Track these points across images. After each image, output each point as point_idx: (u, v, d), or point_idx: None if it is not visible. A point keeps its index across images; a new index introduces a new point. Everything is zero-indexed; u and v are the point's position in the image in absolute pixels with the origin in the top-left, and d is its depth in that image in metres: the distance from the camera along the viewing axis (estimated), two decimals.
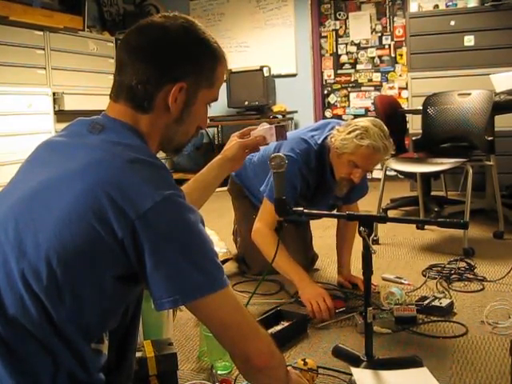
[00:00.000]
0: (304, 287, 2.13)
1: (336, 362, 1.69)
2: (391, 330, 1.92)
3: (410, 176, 4.27)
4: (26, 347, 0.95)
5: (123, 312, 1.11)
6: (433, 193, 4.13)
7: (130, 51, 1.07)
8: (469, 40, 4.68)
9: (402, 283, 2.41)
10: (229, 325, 1.04)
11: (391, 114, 3.95)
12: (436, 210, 3.60)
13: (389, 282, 2.45)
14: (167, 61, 1.06)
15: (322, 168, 2.26)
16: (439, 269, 2.58)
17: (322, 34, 6.09)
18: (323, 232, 3.29)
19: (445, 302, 2.08)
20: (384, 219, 1.75)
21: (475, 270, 2.56)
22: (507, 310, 2.01)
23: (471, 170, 3.04)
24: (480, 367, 1.65)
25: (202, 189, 1.54)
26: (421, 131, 3.45)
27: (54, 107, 4.69)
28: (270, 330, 1.86)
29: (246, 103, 5.79)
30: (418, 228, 3.48)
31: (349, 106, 6.06)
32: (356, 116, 5.63)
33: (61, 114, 4.71)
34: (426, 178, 3.89)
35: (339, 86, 6.09)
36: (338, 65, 6.07)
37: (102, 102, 4.04)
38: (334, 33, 6.04)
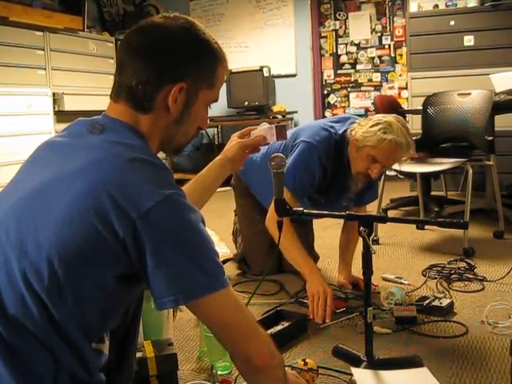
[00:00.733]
0: (312, 280, 2.12)
1: (336, 361, 1.69)
2: (391, 330, 1.92)
3: (409, 176, 4.26)
4: (27, 347, 0.95)
5: (124, 312, 1.11)
6: (433, 193, 4.13)
7: (130, 51, 1.07)
8: (468, 40, 4.68)
9: (402, 283, 2.41)
10: (229, 324, 1.04)
11: (391, 114, 3.94)
12: (436, 209, 3.60)
13: (389, 282, 2.45)
14: (167, 61, 1.06)
15: (339, 160, 2.22)
16: (439, 269, 2.58)
17: (322, 34, 6.09)
18: (323, 232, 3.29)
19: (445, 302, 2.08)
20: (384, 219, 1.74)
21: (475, 270, 2.56)
22: (507, 310, 2.01)
23: (471, 170, 3.04)
24: (480, 367, 1.65)
25: (203, 189, 1.54)
26: (421, 131, 3.44)
27: (54, 107, 4.69)
28: (270, 330, 1.86)
29: (246, 103, 5.79)
30: (417, 228, 3.48)
31: (349, 106, 6.06)
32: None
33: (61, 115, 4.71)
34: (426, 177, 3.89)
35: (339, 86, 6.09)
36: (337, 65, 6.07)
37: (102, 103, 4.02)
38: (333, 33, 6.05)
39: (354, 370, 1.59)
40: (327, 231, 3.34)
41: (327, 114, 6.13)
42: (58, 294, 0.94)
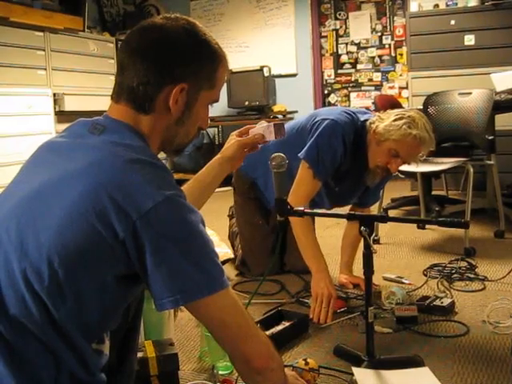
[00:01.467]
0: (319, 279, 2.09)
1: (337, 361, 1.69)
2: (392, 330, 1.92)
3: (410, 175, 4.26)
4: (28, 347, 0.95)
5: (124, 312, 1.11)
6: (433, 192, 4.13)
7: (131, 52, 1.07)
8: (469, 39, 4.67)
9: (403, 283, 2.41)
10: (228, 326, 1.04)
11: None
12: (437, 209, 3.60)
13: (390, 281, 2.44)
14: (168, 62, 1.06)
15: (358, 149, 2.16)
16: (440, 268, 2.58)
17: (322, 34, 6.09)
18: (323, 232, 3.29)
19: (446, 302, 2.08)
20: (385, 219, 1.75)
21: (476, 270, 2.56)
22: (508, 310, 2.01)
23: (472, 170, 3.04)
24: (481, 367, 1.65)
25: (202, 189, 1.54)
26: None
27: (55, 108, 4.69)
28: (271, 330, 1.86)
29: (247, 103, 5.79)
30: (418, 227, 3.48)
31: (349, 105, 6.05)
32: None
33: (61, 115, 4.71)
34: (427, 177, 3.89)
35: (339, 86, 6.09)
36: (338, 64, 6.07)
37: (102, 103, 4.04)
38: (334, 32, 6.04)
39: (355, 369, 1.59)
40: (328, 231, 3.34)
41: None
42: (58, 295, 0.95)
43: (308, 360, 1.57)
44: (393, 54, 5.83)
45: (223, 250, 2.71)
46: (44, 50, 4.70)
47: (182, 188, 1.30)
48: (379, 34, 5.86)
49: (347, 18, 5.97)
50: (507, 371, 1.60)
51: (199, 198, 1.51)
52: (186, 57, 1.07)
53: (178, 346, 1.75)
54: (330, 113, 2.21)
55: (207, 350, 1.73)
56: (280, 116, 5.77)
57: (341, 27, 6.01)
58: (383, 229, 3.31)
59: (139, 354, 1.41)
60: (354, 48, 5.99)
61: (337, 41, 6.04)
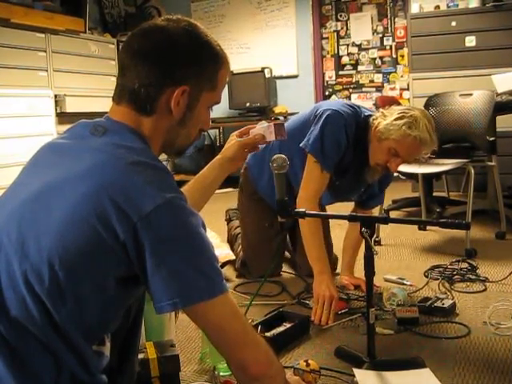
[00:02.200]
0: (321, 281, 2.09)
1: (338, 363, 1.69)
2: (393, 331, 1.91)
3: (411, 177, 4.25)
4: (29, 348, 0.95)
5: (125, 314, 1.11)
6: (434, 193, 4.12)
7: (132, 54, 1.07)
8: (470, 40, 4.67)
9: (404, 284, 2.41)
10: (226, 331, 1.03)
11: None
12: (438, 210, 3.60)
13: (391, 282, 2.44)
14: (170, 64, 1.06)
15: (359, 144, 2.15)
16: (441, 269, 2.57)
17: (323, 35, 6.09)
18: None
19: (447, 303, 2.08)
20: (386, 220, 1.75)
21: (477, 271, 2.55)
22: (510, 311, 2.01)
23: (473, 171, 3.04)
24: (483, 368, 1.65)
25: (203, 189, 1.54)
26: None
27: (56, 109, 4.69)
28: (272, 332, 1.86)
29: (248, 104, 5.79)
30: (419, 229, 3.47)
31: None
32: None
33: (62, 116, 4.71)
34: (428, 178, 3.89)
35: (340, 87, 6.09)
36: (339, 66, 6.07)
37: (103, 104, 4.04)
38: (335, 34, 6.04)
39: (356, 371, 1.59)
40: (330, 231, 3.33)
41: None
42: (58, 296, 0.95)
43: (309, 361, 1.57)
44: (394, 56, 5.83)
45: (224, 251, 2.71)
46: (45, 52, 4.70)
47: (183, 189, 1.31)
48: (380, 35, 5.86)
49: (348, 19, 5.97)
50: (508, 372, 1.60)
51: (200, 199, 1.51)
52: (188, 58, 1.07)
53: (179, 348, 1.75)
54: (332, 104, 2.22)
55: (208, 352, 1.73)
56: (281, 117, 5.77)
57: (342, 28, 6.01)
58: (384, 230, 3.31)
59: (140, 356, 1.41)
60: (355, 49, 5.99)
61: (338, 42, 6.05)
